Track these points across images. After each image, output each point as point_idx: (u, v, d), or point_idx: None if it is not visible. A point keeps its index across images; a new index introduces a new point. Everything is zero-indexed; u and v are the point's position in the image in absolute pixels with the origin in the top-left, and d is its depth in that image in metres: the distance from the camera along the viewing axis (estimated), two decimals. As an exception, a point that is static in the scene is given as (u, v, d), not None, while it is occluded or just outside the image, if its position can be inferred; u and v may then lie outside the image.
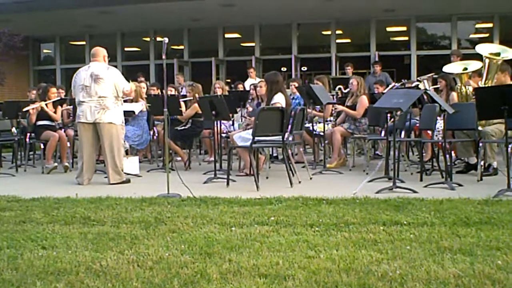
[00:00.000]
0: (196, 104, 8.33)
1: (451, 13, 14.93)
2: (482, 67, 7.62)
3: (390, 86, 10.41)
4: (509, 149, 5.79)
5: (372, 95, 8.98)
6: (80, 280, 3.15)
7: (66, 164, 8.33)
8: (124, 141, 7.42)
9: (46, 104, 8.51)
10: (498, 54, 7.43)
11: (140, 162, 8.43)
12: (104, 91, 6.97)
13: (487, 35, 15.21)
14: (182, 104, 8.74)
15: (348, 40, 17.14)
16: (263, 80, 8.16)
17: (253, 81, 11.59)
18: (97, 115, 6.97)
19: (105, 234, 4.19)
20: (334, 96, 9.87)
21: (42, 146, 8.46)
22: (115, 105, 7.05)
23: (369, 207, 4.91)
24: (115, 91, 7.03)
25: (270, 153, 8.56)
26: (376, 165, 8.18)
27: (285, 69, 16.24)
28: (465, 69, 7.96)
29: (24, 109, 8.57)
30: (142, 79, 12.29)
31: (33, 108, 8.45)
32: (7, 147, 9.91)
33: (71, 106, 9.02)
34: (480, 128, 6.90)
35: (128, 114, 8.15)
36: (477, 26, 15.92)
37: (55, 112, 8.66)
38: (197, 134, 9.01)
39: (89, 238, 4.11)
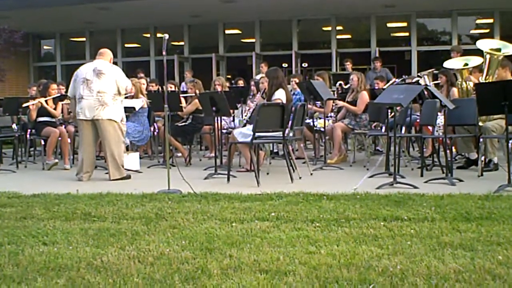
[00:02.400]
0: (196, 100, 8.33)
1: (451, 9, 14.90)
2: (482, 62, 7.62)
3: (390, 82, 10.41)
4: (509, 144, 5.79)
5: (373, 90, 8.98)
6: (81, 276, 3.16)
7: (68, 166, 8.25)
8: (125, 137, 7.42)
9: (46, 101, 8.50)
10: (498, 50, 7.42)
11: (140, 158, 8.43)
12: (105, 86, 6.96)
13: (487, 30, 15.18)
14: (183, 100, 8.74)
15: (349, 36, 17.13)
16: (264, 76, 8.17)
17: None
18: (96, 112, 6.96)
19: (106, 230, 4.19)
20: (335, 92, 9.87)
21: (42, 142, 8.46)
22: (114, 101, 7.04)
23: (369, 203, 4.92)
24: (116, 88, 7.02)
25: (271, 149, 8.57)
26: (376, 160, 8.20)
27: (286, 65, 16.22)
28: (466, 64, 7.95)
29: (24, 105, 8.55)
30: (142, 75, 12.29)
31: (33, 104, 8.43)
32: (8, 143, 9.91)
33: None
34: (480, 123, 6.90)
35: (128, 110, 8.16)
36: (478, 21, 15.89)
37: (55, 109, 8.66)
38: (198, 130, 9.00)
39: (90, 234, 4.11)
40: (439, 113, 6.87)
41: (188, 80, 10.18)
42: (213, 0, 13.74)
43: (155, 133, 9.19)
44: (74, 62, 17.96)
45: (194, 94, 8.70)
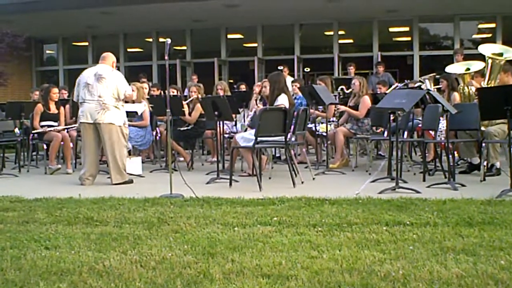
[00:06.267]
0: (199, 105, 8.34)
1: (453, 13, 14.91)
2: (484, 67, 7.62)
3: (393, 87, 10.41)
4: (512, 149, 5.78)
5: (375, 95, 8.98)
6: (83, 280, 3.16)
7: (70, 171, 8.26)
8: (127, 142, 7.42)
9: (48, 104, 8.56)
10: (500, 55, 7.44)
11: (142, 162, 8.43)
12: (105, 91, 6.98)
13: (489, 35, 15.18)
14: (185, 105, 8.75)
15: (351, 41, 17.13)
16: (266, 80, 8.17)
17: (289, 79, 11.10)
18: (97, 116, 6.98)
19: (108, 235, 4.19)
20: (337, 97, 9.87)
21: (45, 147, 8.48)
22: (115, 106, 7.05)
23: (372, 207, 4.91)
24: (116, 92, 7.04)
25: (273, 153, 8.56)
26: (379, 165, 8.19)
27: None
28: (468, 69, 7.96)
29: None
30: (144, 79, 12.31)
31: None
32: (10, 147, 9.91)
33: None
34: (483, 128, 6.89)
35: (131, 115, 8.16)
36: (480, 26, 15.90)
37: (58, 113, 8.70)
38: (200, 135, 9.01)
39: (92, 238, 4.12)
40: (441, 118, 6.86)
41: (193, 84, 10.17)
42: (215, 4, 13.76)
43: (157, 137, 9.20)
44: (77, 67, 18.00)
45: (195, 97, 8.71)
